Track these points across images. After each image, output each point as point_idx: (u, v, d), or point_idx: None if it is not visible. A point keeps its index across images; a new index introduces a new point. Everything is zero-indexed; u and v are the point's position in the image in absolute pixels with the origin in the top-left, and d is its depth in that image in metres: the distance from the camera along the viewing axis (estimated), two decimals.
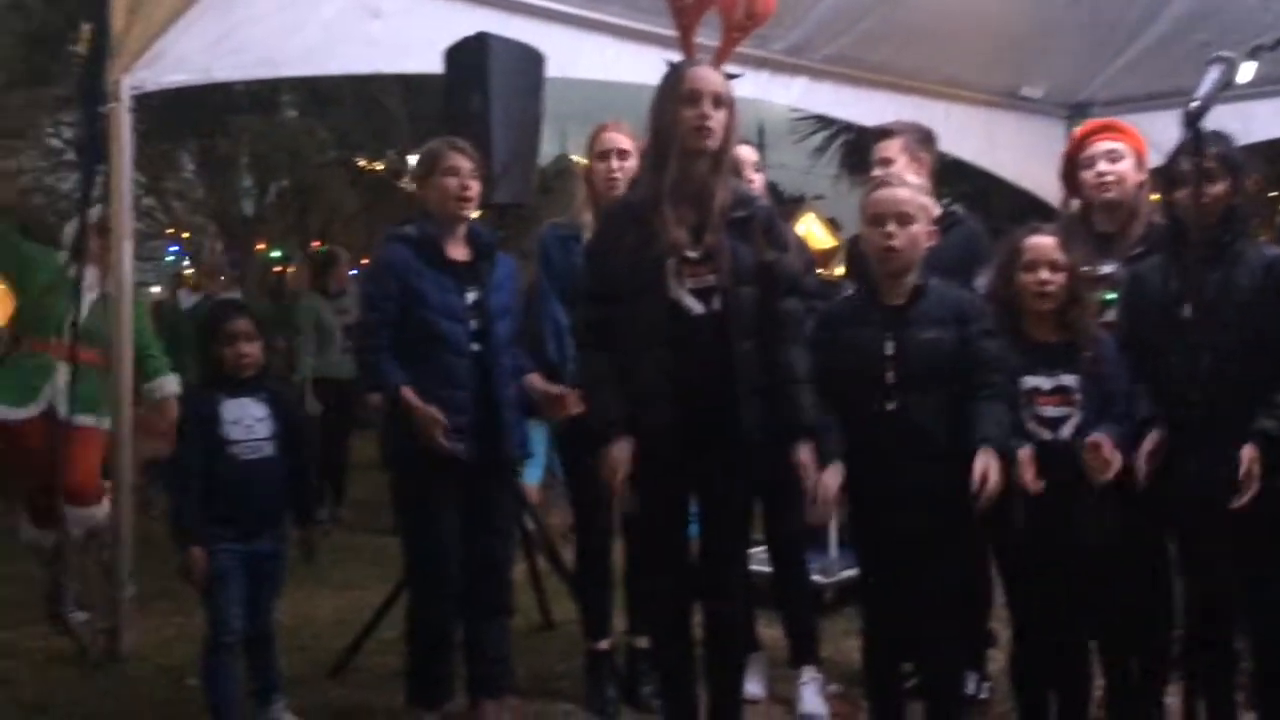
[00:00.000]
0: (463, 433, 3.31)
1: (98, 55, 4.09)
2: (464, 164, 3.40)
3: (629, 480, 2.85)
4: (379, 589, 5.15)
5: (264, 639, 3.46)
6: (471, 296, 3.38)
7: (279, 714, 3.45)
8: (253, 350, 3.42)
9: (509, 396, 3.41)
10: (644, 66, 5.29)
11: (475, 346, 3.36)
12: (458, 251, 3.43)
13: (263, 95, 15.09)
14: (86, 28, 4.10)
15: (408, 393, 3.24)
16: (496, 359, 3.38)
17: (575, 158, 14.60)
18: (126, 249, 4.22)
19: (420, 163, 3.55)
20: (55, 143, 16.11)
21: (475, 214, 3.52)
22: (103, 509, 4.55)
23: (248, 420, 3.38)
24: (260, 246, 16.49)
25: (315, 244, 17.39)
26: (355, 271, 8.90)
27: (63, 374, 4.48)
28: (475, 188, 3.41)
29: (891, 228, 2.87)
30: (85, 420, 4.51)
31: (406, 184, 17.70)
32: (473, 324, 3.36)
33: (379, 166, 17.71)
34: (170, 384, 4.85)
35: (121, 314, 4.27)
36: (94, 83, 4.14)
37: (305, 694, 3.68)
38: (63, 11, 14.19)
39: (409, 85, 14.89)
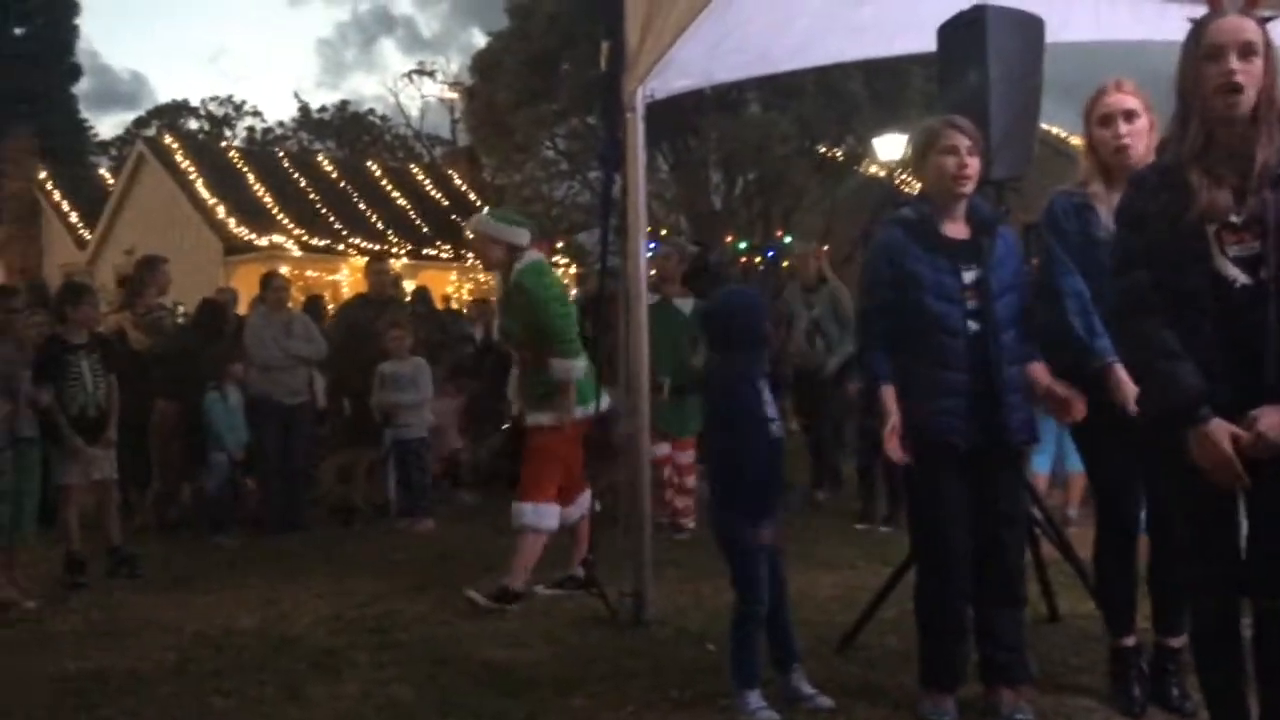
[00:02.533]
0: (958, 416, 3.28)
1: (614, 70, 4.46)
2: (962, 141, 3.36)
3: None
4: (869, 569, 5.26)
5: (782, 610, 3.61)
6: (970, 276, 3.32)
7: (798, 682, 3.59)
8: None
9: (1011, 378, 3.32)
10: (1140, 24, 4.92)
11: (973, 326, 3.30)
12: (955, 230, 3.39)
13: (728, 94, 15.77)
14: (605, 45, 4.48)
15: (887, 394, 3.31)
16: (997, 338, 3.30)
17: (1044, 125, 13.81)
18: (641, 247, 4.56)
19: (917, 142, 3.53)
20: (550, 154, 17.87)
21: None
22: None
23: (768, 399, 3.57)
24: (729, 239, 17.22)
25: (778, 233, 17.91)
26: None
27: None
28: (973, 165, 3.36)
29: None
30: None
31: (865, 168, 17.75)
32: (970, 303, 3.30)
33: (839, 153, 17.88)
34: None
35: (637, 310, 4.59)
36: (612, 96, 4.54)
37: (815, 667, 3.79)
38: (559, 34, 15.69)
39: (869, 70, 14.88)
